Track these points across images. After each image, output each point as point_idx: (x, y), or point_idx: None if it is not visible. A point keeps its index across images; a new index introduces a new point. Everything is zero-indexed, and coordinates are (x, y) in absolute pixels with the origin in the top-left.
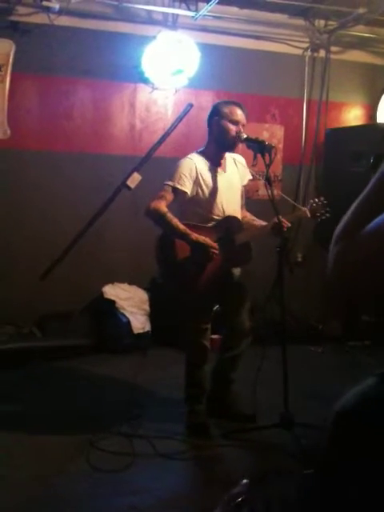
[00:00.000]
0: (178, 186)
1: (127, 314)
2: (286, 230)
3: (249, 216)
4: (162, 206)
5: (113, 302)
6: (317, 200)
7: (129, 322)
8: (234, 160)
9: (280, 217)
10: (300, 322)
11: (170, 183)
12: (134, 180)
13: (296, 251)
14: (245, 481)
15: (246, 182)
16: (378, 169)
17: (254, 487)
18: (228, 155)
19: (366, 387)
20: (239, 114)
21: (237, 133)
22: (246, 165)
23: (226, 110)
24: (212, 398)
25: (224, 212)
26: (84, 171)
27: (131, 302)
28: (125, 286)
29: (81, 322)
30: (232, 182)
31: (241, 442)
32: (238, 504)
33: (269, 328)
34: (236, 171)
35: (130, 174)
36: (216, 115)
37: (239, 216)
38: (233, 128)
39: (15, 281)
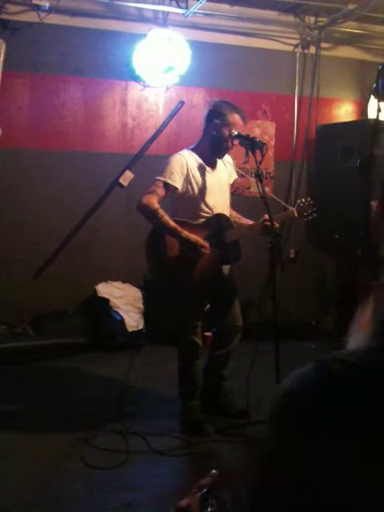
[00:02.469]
0: (169, 181)
1: (121, 312)
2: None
3: (234, 214)
4: (154, 201)
5: (106, 301)
6: (304, 200)
7: (122, 320)
8: (223, 159)
9: (269, 217)
10: (293, 318)
11: (161, 178)
12: (127, 178)
13: (288, 248)
14: (214, 471)
15: (232, 180)
16: (364, 171)
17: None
18: None
19: (304, 374)
20: (241, 125)
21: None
22: (233, 163)
23: (230, 118)
24: (205, 395)
25: (214, 210)
26: (76, 169)
27: (125, 300)
28: (118, 284)
29: (74, 321)
30: (221, 181)
31: (235, 438)
32: (215, 495)
33: (262, 324)
34: (225, 169)
35: (122, 172)
36: (218, 118)
37: (228, 214)
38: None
39: (8, 280)
